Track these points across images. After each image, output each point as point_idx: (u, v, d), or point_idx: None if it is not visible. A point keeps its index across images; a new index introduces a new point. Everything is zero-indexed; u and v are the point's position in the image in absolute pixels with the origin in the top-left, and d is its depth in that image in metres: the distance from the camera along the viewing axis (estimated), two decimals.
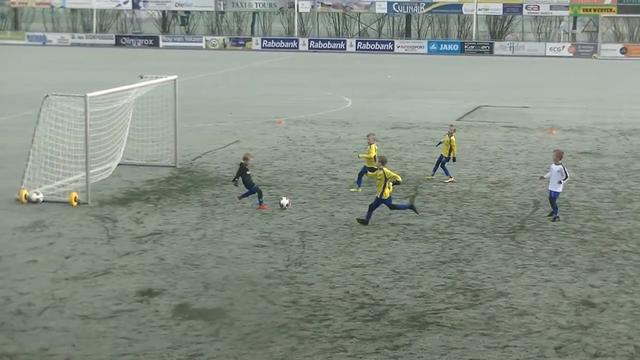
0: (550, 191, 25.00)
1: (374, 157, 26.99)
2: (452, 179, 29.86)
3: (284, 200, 25.93)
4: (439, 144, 30.82)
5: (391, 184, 24.26)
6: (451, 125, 31.06)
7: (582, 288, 19.17)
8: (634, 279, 19.84)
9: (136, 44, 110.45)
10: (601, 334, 16.54)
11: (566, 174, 24.94)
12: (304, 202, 26.74)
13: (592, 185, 29.84)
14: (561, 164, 25.11)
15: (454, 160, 30.32)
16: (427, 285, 19.24)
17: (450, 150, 29.80)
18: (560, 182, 24.79)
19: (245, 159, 26.42)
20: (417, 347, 15.81)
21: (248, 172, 26.13)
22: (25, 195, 26.17)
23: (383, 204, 24.30)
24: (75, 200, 25.98)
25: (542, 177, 26.43)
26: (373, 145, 28.07)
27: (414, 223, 24.46)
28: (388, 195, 24.18)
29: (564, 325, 16.95)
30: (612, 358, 15.47)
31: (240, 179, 26.25)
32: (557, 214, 24.93)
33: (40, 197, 26.26)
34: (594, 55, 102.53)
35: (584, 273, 20.24)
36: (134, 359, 15.18)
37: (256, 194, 25.94)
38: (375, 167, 25.55)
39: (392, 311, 17.60)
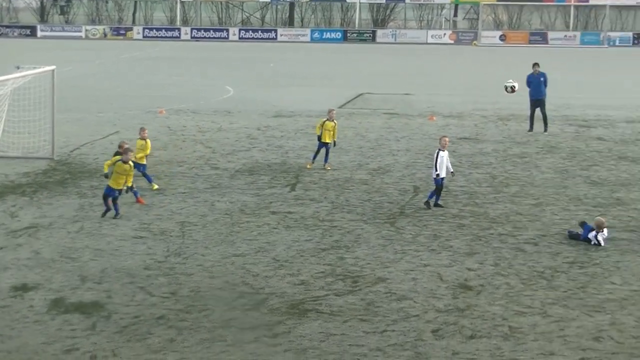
0: (443, 178, 25.00)
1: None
2: (329, 168, 29.90)
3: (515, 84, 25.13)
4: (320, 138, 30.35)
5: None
6: (331, 110, 30.93)
7: (459, 272, 19.44)
8: (510, 261, 20.20)
9: (13, 33, 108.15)
10: (477, 316, 16.79)
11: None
12: (184, 192, 26.53)
13: (471, 170, 30.28)
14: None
15: (334, 144, 30.36)
16: (307, 272, 19.27)
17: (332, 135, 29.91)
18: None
19: (120, 146, 25.32)
20: (297, 335, 15.82)
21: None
22: None
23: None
24: None
25: (436, 175, 25.01)
26: (148, 141, 27.14)
27: (295, 211, 24.48)
28: (121, 187, 23.73)
29: (441, 309, 17.16)
30: (488, 339, 15.72)
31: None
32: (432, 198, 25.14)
33: None
34: (475, 42, 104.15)
35: (461, 257, 20.52)
36: (6, 356, 14.82)
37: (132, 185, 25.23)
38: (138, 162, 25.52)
39: (271, 299, 17.58)
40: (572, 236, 22.02)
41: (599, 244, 21.34)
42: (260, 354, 15.04)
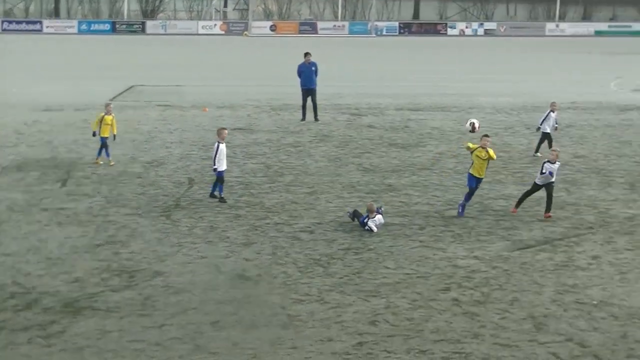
0: (223, 170, 24.70)
1: None
2: (101, 162, 29.18)
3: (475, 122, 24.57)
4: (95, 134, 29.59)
5: None
6: (108, 104, 30.28)
7: (237, 262, 19.41)
8: (287, 250, 20.33)
9: None
10: (256, 306, 16.80)
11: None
12: None
13: (245, 161, 30.30)
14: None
15: (115, 138, 29.80)
16: (81, 269, 18.77)
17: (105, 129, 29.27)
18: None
19: None
20: (72, 334, 15.39)
21: None
22: None
23: None
24: None
25: (214, 169, 24.73)
26: None
27: (67, 207, 23.82)
28: None
29: (220, 300, 17.08)
30: (267, 328, 15.76)
31: None
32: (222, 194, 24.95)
33: None
34: (245, 33, 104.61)
35: (238, 247, 20.50)
36: None
37: None
38: None
39: (44, 299, 17.02)
40: (355, 215, 22.41)
41: (371, 230, 21.78)
42: (34, 356, 14.54)
